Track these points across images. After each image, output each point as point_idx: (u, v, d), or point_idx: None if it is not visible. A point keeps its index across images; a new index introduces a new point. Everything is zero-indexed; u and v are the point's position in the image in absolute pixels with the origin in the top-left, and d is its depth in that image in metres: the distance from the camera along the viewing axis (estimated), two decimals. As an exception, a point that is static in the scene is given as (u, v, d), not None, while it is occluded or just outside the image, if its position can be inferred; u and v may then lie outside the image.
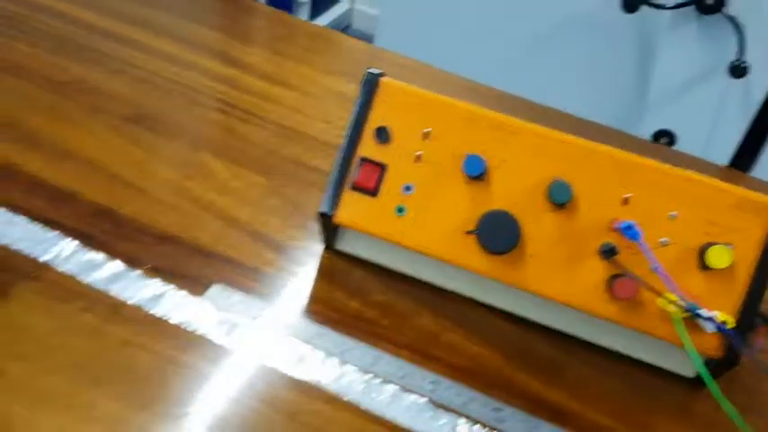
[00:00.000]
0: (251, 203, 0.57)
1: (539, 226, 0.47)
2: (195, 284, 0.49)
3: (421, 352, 0.49)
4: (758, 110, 0.99)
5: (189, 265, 0.50)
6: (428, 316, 0.51)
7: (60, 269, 0.47)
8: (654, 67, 1.41)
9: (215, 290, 0.49)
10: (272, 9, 0.86)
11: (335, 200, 0.50)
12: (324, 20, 2.27)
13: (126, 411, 0.42)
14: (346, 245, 0.54)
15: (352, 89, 0.72)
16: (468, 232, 0.48)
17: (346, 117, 0.65)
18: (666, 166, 0.47)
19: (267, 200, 0.57)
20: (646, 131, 1.44)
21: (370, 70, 0.50)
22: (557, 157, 0.47)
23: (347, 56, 0.81)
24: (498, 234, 0.47)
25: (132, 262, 0.49)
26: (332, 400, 0.45)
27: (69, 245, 0.48)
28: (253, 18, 0.84)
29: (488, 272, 0.48)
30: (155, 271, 0.49)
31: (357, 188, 0.50)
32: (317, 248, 0.54)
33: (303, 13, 2.16)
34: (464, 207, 0.48)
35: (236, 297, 0.49)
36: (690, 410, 0.49)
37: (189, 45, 0.74)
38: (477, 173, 0.47)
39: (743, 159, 0.93)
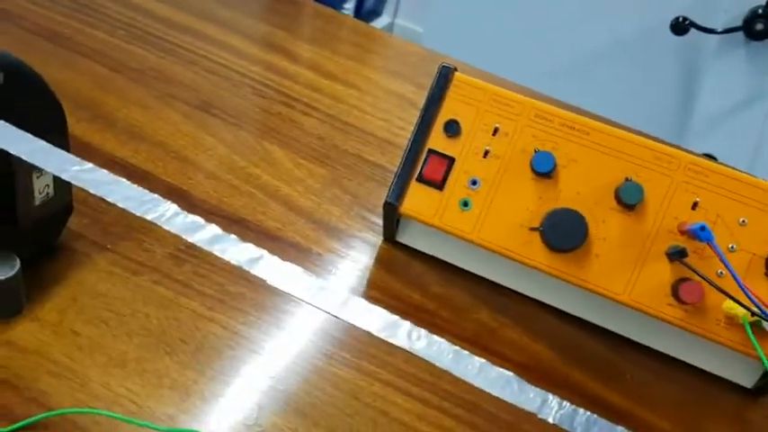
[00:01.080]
0: (313, 193, 0.58)
1: (606, 226, 0.47)
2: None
3: (480, 346, 0.49)
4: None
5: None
6: (486, 311, 0.51)
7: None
8: (700, 91, 1.40)
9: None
10: (330, 9, 0.88)
11: (401, 191, 0.50)
12: (365, 31, 2.29)
13: (197, 378, 0.43)
14: (407, 237, 0.54)
15: (408, 89, 0.73)
16: (533, 229, 0.48)
17: (403, 115, 0.66)
18: (738, 173, 0.47)
19: (329, 190, 0.58)
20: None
21: (444, 64, 0.51)
22: (628, 159, 0.47)
23: (402, 57, 0.82)
24: (564, 232, 0.47)
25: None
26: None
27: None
28: (310, 17, 0.85)
29: (551, 270, 0.48)
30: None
31: (424, 180, 0.50)
32: (375, 240, 0.55)
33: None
34: (530, 204, 0.49)
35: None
36: (747, 420, 0.48)
37: (255, 41, 0.75)
38: (546, 170, 0.48)
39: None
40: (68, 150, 0.38)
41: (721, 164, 0.52)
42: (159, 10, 0.76)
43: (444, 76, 0.51)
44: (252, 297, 0.48)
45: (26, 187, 0.43)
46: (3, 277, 0.41)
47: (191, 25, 0.75)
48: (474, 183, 0.50)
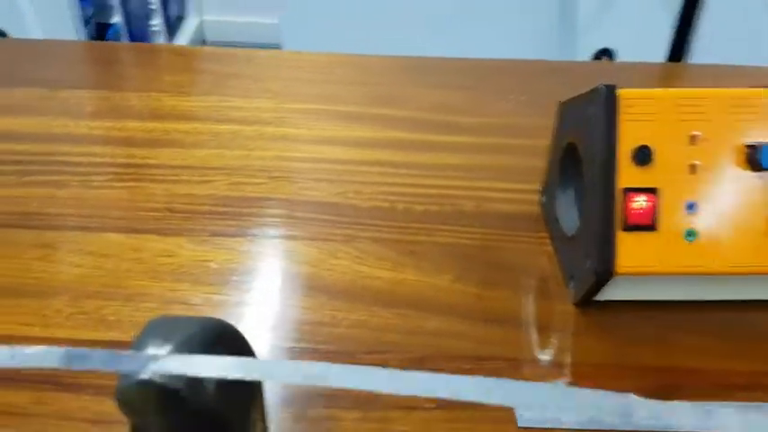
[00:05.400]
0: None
1: None
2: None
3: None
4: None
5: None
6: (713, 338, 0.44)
7: None
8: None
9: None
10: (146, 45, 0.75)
11: (609, 249, 0.41)
12: (182, 39, 2.09)
13: None
14: (610, 293, 0.45)
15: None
16: (776, 232, 0.41)
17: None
18: None
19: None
20: (585, 54, 1.42)
21: (604, 85, 0.41)
22: None
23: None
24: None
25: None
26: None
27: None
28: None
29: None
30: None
31: (631, 227, 0.41)
32: (560, 308, 0.46)
33: (160, 38, 1.97)
34: (760, 205, 0.41)
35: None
36: None
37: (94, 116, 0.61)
38: (774, 162, 0.40)
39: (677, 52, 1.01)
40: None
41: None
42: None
43: (609, 99, 0.41)
44: None
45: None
46: None
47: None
48: (691, 207, 0.41)
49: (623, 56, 1.39)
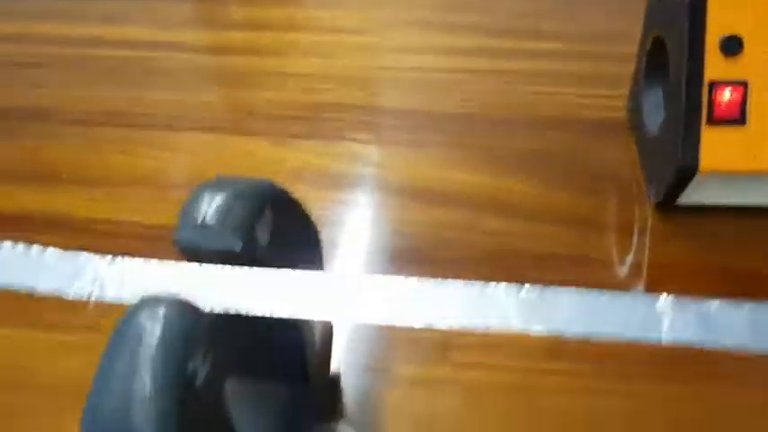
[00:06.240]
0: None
1: None
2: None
3: None
4: None
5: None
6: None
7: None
8: None
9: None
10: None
11: (693, 145, 0.39)
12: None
13: None
14: (694, 195, 0.43)
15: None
16: None
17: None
18: None
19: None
20: None
21: (694, -29, 0.39)
22: None
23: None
24: None
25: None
26: None
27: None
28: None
29: None
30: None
31: (717, 121, 0.39)
32: (642, 211, 0.44)
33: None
34: None
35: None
36: None
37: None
38: None
39: None
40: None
41: None
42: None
43: (698, -15, 0.38)
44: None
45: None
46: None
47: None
48: (784, 101, 0.38)
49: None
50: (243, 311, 0.21)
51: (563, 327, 0.22)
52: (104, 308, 0.32)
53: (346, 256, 0.43)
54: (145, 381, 0.19)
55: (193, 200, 0.24)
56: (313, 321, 0.31)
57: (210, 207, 0.24)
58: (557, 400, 0.35)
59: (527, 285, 0.22)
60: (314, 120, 0.52)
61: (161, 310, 0.20)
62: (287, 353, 0.29)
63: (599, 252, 0.42)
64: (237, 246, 0.24)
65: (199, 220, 0.24)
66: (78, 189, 0.47)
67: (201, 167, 0.48)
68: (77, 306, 0.35)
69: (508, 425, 0.34)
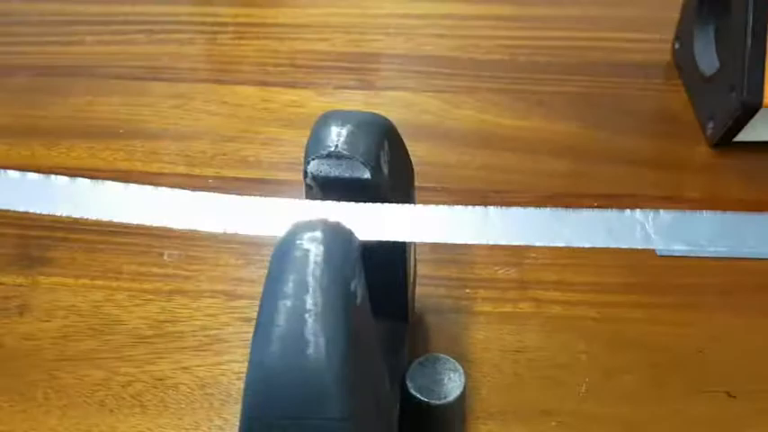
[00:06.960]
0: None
1: None
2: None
3: None
4: None
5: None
6: None
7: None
8: None
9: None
10: None
11: (757, 79, 0.39)
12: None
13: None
14: (753, 133, 0.43)
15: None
16: None
17: None
18: None
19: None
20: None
21: None
22: None
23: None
24: None
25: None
26: None
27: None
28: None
29: None
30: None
31: (781, 56, 0.39)
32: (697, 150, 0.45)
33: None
34: None
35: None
36: None
37: None
38: None
39: None
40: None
41: None
42: None
43: None
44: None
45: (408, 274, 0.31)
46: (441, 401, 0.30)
47: None
48: None
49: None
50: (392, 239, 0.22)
51: (705, 244, 0.22)
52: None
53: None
54: (317, 298, 0.19)
55: (321, 131, 0.24)
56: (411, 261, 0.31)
57: (340, 138, 0.24)
58: (640, 330, 0.35)
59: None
60: (357, 70, 0.52)
61: (320, 234, 0.20)
62: (390, 290, 0.30)
63: (662, 189, 0.42)
64: (367, 174, 0.24)
65: (329, 150, 0.24)
66: (137, 143, 0.46)
67: (254, 121, 0.48)
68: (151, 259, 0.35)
69: (593, 355, 0.35)
